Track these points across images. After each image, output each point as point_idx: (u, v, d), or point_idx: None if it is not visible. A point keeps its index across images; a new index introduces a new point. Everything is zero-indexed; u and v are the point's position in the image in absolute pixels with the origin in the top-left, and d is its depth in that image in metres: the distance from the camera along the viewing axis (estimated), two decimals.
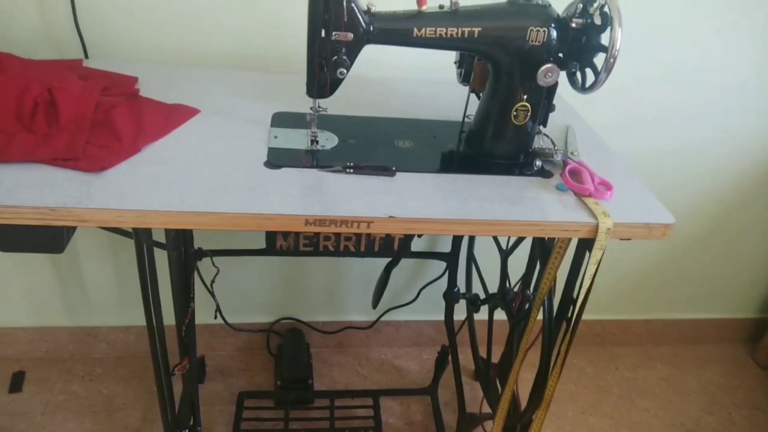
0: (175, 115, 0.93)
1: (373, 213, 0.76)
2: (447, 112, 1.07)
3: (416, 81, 1.18)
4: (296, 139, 0.91)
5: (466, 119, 0.99)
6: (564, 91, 0.92)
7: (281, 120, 0.96)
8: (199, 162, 0.81)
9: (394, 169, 0.85)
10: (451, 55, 0.97)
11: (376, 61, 1.19)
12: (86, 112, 0.85)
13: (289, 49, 1.13)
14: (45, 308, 1.48)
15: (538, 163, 0.90)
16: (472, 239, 1.42)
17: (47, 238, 0.73)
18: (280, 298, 1.55)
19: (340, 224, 0.75)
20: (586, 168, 0.89)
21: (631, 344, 1.80)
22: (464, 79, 0.95)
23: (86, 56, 1.11)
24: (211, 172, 0.79)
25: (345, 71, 0.80)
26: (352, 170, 0.84)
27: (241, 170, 0.81)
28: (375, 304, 1.22)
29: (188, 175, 0.78)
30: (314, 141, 0.90)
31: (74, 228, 0.78)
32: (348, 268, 1.53)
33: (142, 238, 0.86)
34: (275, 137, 0.91)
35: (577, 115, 1.12)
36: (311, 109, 0.88)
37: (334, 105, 1.03)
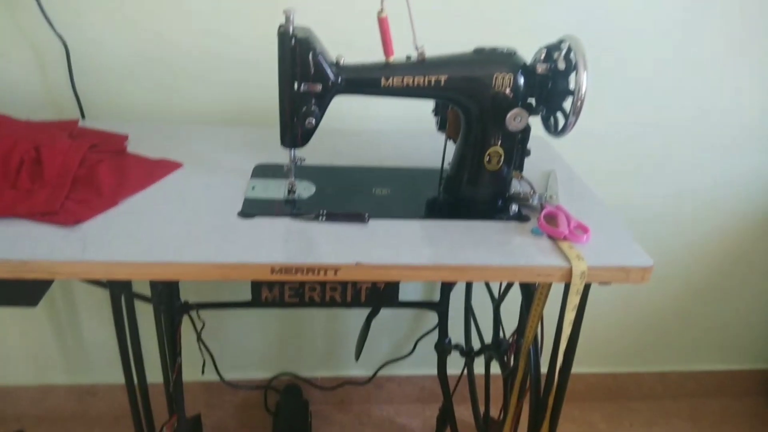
0: (158, 169, 0.95)
1: (341, 260, 0.75)
2: (427, 160, 1.07)
3: (399, 131, 1.21)
4: (274, 189, 0.92)
5: (446, 166, 0.99)
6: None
7: (262, 171, 0.98)
8: (173, 213, 0.83)
9: (367, 215, 0.85)
10: (430, 105, 0.99)
11: (359, 113, 1.22)
12: (70, 168, 0.88)
13: (272, 102, 1.17)
14: (45, 366, 1.49)
15: (514, 207, 0.89)
16: (469, 287, 1.40)
17: (20, 291, 0.75)
18: (277, 352, 1.53)
19: (306, 272, 0.75)
20: (563, 212, 0.88)
21: (646, 398, 1.72)
22: (441, 126, 0.96)
23: (83, 117, 1.16)
24: (183, 223, 0.81)
25: (314, 121, 0.82)
26: (324, 218, 0.84)
27: (214, 220, 0.82)
28: (357, 356, 1.20)
29: (160, 227, 0.79)
30: (291, 190, 0.91)
31: (50, 282, 0.79)
32: (345, 321, 1.51)
33: (117, 290, 0.87)
34: (253, 188, 0.92)
35: (561, 160, 1.12)
36: (289, 159, 0.90)
37: (314, 155, 1.05)
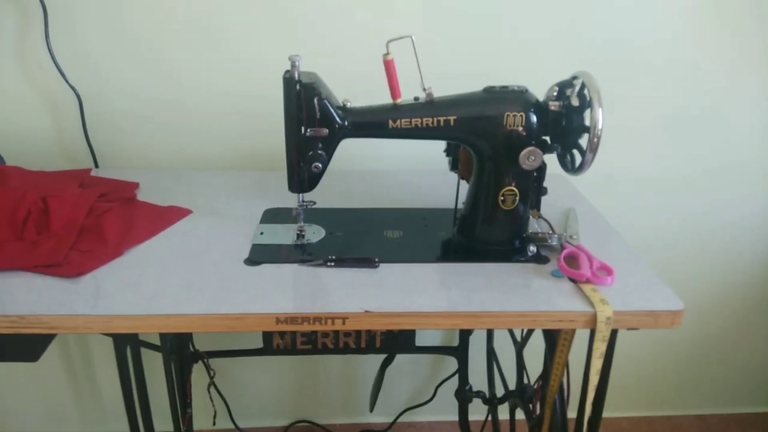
0: (166, 217, 0.94)
1: (349, 308, 0.72)
2: (440, 201, 1.05)
3: (411, 172, 1.18)
4: (282, 234, 0.90)
5: (461, 205, 0.96)
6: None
7: (271, 216, 0.96)
8: (179, 262, 0.81)
9: (377, 260, 0.82)
10: (442, 144, 0.96)
11: (369, 153, 1.20)
12: (77, 218, 0.87)
13: (283, 147, 1.17)
14: (59, 415, 1.46)
15: (533, 248, 0.85)
16: (490, 330, 1.34)
17: (20, 346, 0.73)
18: (293, 398, 1.49)
19: (312, 321, 0.71)
20: (584, 252, 0.84)
21: None
22: (453, 166, 0.93)
23: (96, 166, 1.17)
24: (188, 272, 0.78)
25: (320, 165, 0.80)
26: (333, 263, 0.81)
27: (219, 269, 0.80)
28: (372, 407, 1.15)
29: (164, 277, 0.77)
30: (300, 235, 0.89)
31: (51, 336, 0.77)
32: (362, 365, 1.46)
33: (121, 341, 0.84)
34: (261, 233, 0.90)
35: (581, 197, 1.08)
36: (298, 203, 0.88)
37: (325, 198, 1.03)
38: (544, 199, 0.89)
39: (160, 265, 0.80)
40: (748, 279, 1.44)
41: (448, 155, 0.94)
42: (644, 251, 1.31)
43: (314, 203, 0.99)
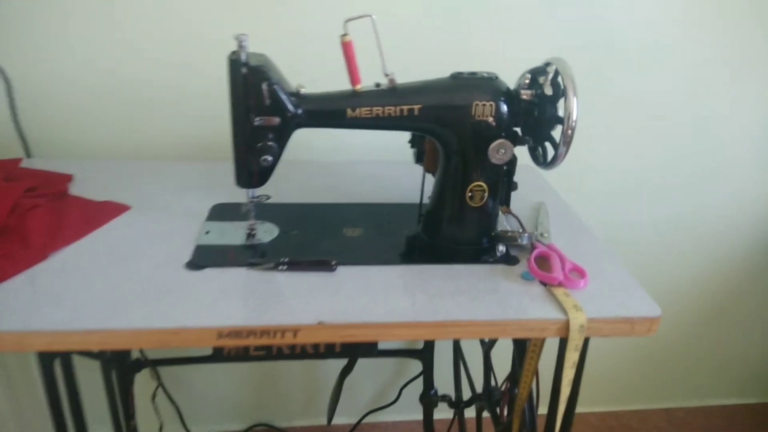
0: (101, 214, 0.85)
1: (301, 319, 0.65)
2: (405, 194, 0.98)
3: (373, 162, 1.11)
4: (231, 234, 0.82)
5: (426, 200, 0.90)
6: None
7: (220, 212, 0.88)
8: (110, 267, 0.72)
9: (334, 263, 0.75)
10: (407, 134, 0.89)
11: (328, 143, 1.12)
12: None
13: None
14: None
15: (501, 248, 0.79)
16: None
17: None
18: (251, 401, 1.41)
19: (260, 335, 0.64)
20: (556, 252, 0.78)
21: None
22: (418, 159, 0.87)
23: (28, 155, 1.06)
24: (119, 279, 0.70)
25: (270, 158, 0.72)
26: (285, 267, 0.74)
27: (156, 274, 0.71)
28: (329, 419, 1.08)
29: (90, 285, 0.68)
30: (251, 234, 0.81)
31: None
32: (323, 367, 1.39)
33: (47, 356, 0.75)
34: (207, 232, 0.82)
35: (552, 190, 1.03)
36: (248, 199, 0.80)
37: (279, 192, 0.95)
38: (513, 193, 0.83)
39: (88, 271, 0.71)
40: (722, 272, 1.42)
41: (412, 146, 0.87)
42: (617, 247, 1.28)
43: (268, 197, 0.91)
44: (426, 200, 0.88)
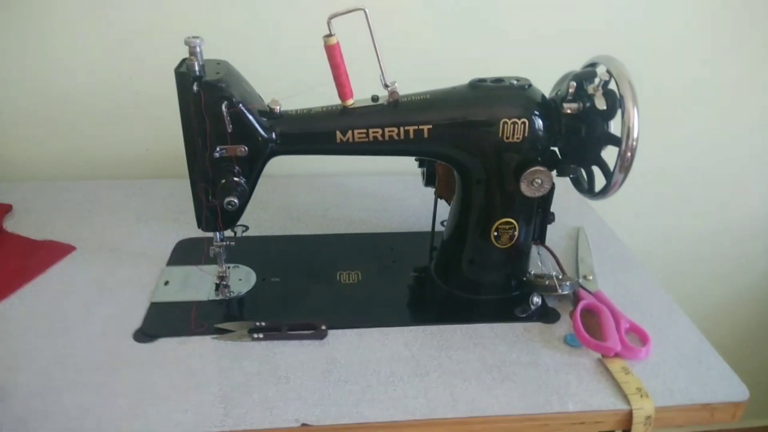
0: (40, 258, 0.69)
1: (278, 421, 0.49)
2: (413, 219, 0.82)
3: (376, 175, 0.94)
4: (196, 283, 0.66)
5: (440, 227, 0.73)
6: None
7: (184, 252, 0.72)
8: (36, 339, 0.56)
9: (324, 328, 0.59)
10: None
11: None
12: None
13: None
14: None
15: (537, 299, 0.63)
16: None
17: None
18: None
19: None
20: (606, 305, 0.62)
21: None
22: (428, 181, 0.70)
23: None
24: (43, 359, 0.54)
25: (235, 201, 0.55)
26: (261, 335, 0.58)
27: (94, 350, 0.55)
28: None
29: (15, 363, 0.53)
30: (221, 285, 0.65)
31: None
32: None
33: None
34: (166, 283, 0.65)
35: (589, 207, 0.86)
36: (215, 242, 0.63)
37: (258, 219, 0.79)
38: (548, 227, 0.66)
39: (13, 341, 0.56)
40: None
41: (420, 166, 0.70)
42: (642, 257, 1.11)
43: (245, 229, 0.75)
44: (439, 227, 0.71)
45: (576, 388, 0.53)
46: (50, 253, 0.70)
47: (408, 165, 0.73)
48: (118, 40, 0.84)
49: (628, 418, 0.51)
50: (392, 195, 0.89)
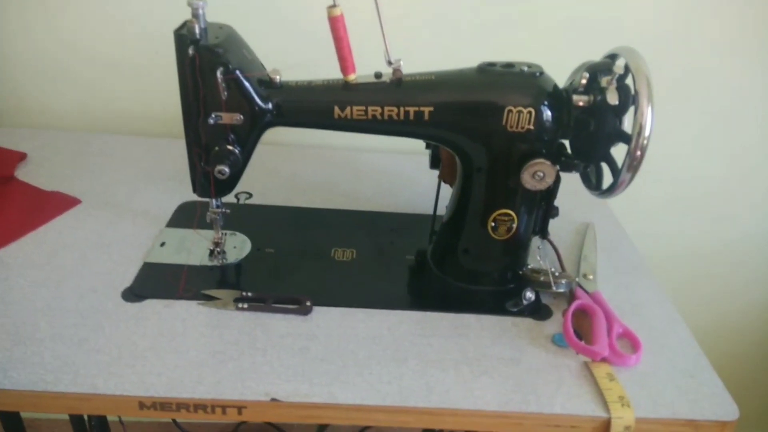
0: (46, 209, 0.70)
1: (248, 391, 0.49)
2: (418, 200, 0.80)
3: (386, 152, 0.92)
4: (191, 248, 0.66)
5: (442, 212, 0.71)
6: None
7: (185, 214, 0.72)
8: (27, 291, 0.58)
9: (309, 303, 0.58)
10: None
11: None
12: None
13: None
14: None
15: (530, 294, 0.61)
16: None
17: None
18: None
19: (194, 409, 0.49)
20: (602, 307, 0.60)
21: None
22: (433, 164, 0.68)
23: None
24: (31, 311, 0.55)
25: (226, 170, 0.54)
26: (246, 306, 0.58)
27: (82, 305, 0.56)
28: None
29: (5, 308, 0.54)
30: (215, 251, 0.65)
31: None
32: None
33: None
34: (162, 244, 0.66)
35: (602, 203, 0.82)
36: (211, 208, 0.63)
37: (264, 189, 0.79)
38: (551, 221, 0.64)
39: (8, 284, 0.58)
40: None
41: (427, 147, 0.68)
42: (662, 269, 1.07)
43: (249, 196, 0.76)
44: (442, 212, 0.69)
45: (556, 390, 0.52)
46: (56, 204, 0.72)
47: (422, 145, 0.72)
48: None
49: (606, 426, 0.50)
50: (402, 174, 0.87)
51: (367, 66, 0.56)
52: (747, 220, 1.06)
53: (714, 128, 0.97)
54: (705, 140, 0.98)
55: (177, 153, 0.86)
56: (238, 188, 0.74)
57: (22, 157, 0.80)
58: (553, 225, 0.64)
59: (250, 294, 0.59)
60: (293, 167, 0.86)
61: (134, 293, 0.58)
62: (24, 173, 0.78)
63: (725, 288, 1.14)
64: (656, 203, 1.03)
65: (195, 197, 0.74)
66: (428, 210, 0.76)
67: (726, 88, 0.93)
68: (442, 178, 0.67)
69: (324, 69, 0.57)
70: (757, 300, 1.17)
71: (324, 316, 0.58)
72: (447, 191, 0.67)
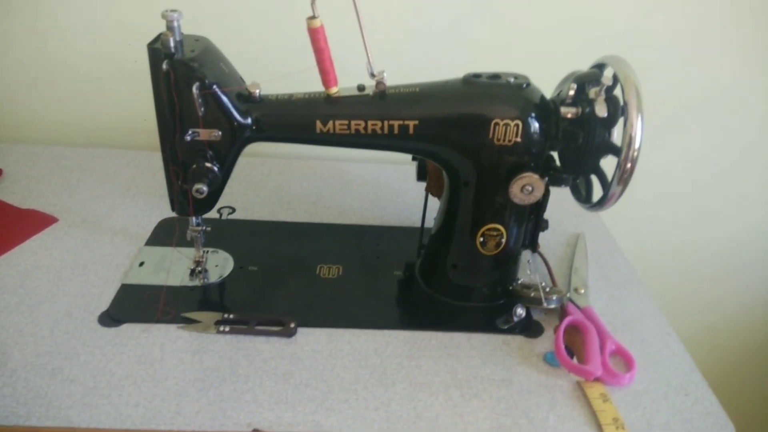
0: (21, 228, 0.68)
1: (229, 422, 0.47)
2: (406, 212, 0.79)
3: (371, 161, 0.90)
4: (171, 267, 0.64)
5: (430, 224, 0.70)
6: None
7: (165, 231, 0.70)
8: (9, 311, 0.56)
9: (293, 325, 0.56)
10: None
11: None
12: None
13: None
14: None
15: (521, 311, 0.59)
16: None
17: None
18: None
19: None
20: (594, 323, 0.58)
21: None
22: (420, 176, 0.66)
23: None
24: (13, 330, 0.53)
25: (204, 189, 0.52)
26: (227, 329, 0.56)
27: (59, 328, 0.54)
28: None
29: None
30: (196, 270, 0.63)
31: None
32: None
33: None
34: (140, 264, 0.64)
35: (595, 216, 0.81)
36: (190, 226, 0.61)
37: (247, 202, 0.78)
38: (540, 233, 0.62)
39: None
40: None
41: (414, 159, 0.66)
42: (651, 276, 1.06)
43: (232, 211, 0.74)
44: (429, 224, 0.68)
45: (548, 413, 0.50)
46: (32, 223, 0.69)
47: (408, 155, 0.70)
48: (120, 6, 0.81)
49: None
50: (389, 185, 0.85)
51: (349, 75, 0.55)
52: (738, 229, 1.06)
53: (704, 138, 0.96)
54: (695, 150, 0.97)
55: (157, 166, 0.82)
56: (221, 202, 0.72)
57: None
58: (543, 236, 0.63)
59: (232, 316, 0.57)
60: (277, 180, 0.84)
61: (111, 317, 0.56)
62: (2, 187, 0.76)
63: (715, 296, 1.14)
64: (646, 211, 1.02)
65: (174, 213, 0.73)
66: (416, 222, 0.75)
67: (718, 99, 0.92)
68: (430, 190, 0.66)
69: (305, 81, 0.55)
70: (747, 308, 1.16)
71: (309, 338, 0.56)
72: (434, 203, 0.65)
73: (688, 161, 0.98)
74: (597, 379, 0.53)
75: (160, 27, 0.50)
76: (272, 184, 0.83)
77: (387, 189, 0.84)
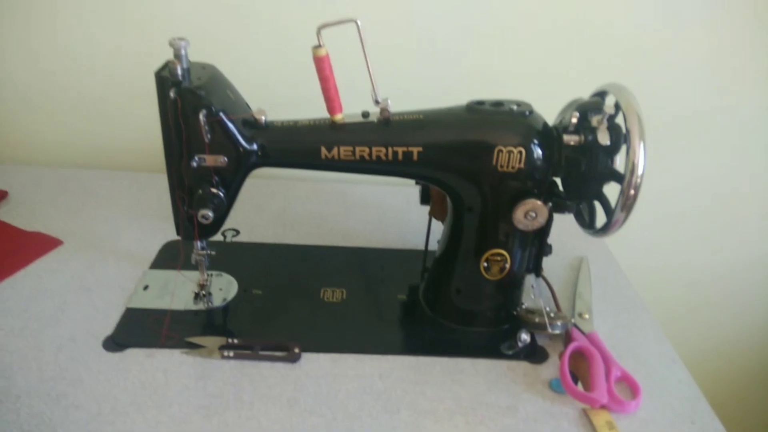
0: (26, 250, 0.68)
1: None
2: (410, 234, 0.79)
3: (375, 183, 0.91)
4: (175, 290, 0.64)
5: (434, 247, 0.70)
6: None
7: (170, 254, 0.70)
8: (14, 335, 0.56)
9: (297, 350, 0.56)
10: None
11: None
12: None
13: None
14: None
15: (525, 336, 0.59)
16: None
17: None
18: None
19: None
20: (599, 349, 0.58)
21: None
22: (423, 200, 0.66)
23: None
24: (18, 356, 0.53)
25: (210, 214, 0.53)
26: (231, 354, 0.56)
27: (61, 357, 0.54)
28: None
29: None
30: (200, 294, 0.63)
31: None
32: None
33: None
34: (145, 288, 0.64)
35: (599, 239, 0.81)
36: (195, 251, 0.61)
37: (251, 225, 0.78)
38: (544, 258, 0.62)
39: None
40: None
41: (417, 182, 0.67)
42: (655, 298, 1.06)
43: (236, 233, 0.74)
44: (433, 247, 0.68)
45: None
46: (36, 246, 0.69)
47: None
48: (126, 28, 0.82)
49: None
50: (393, 207, 0.86)
51: (354, 101, 0.55)
52: (740, 252, 1.06)
53: (705, 161, 0.96)
54: (696, 172, 0.97)
55: (161, 187, 0.83)
56: (226, 225, 0.73)
57: (2, 195, 0.79)
58: (546, 260, 0.63)
59: (236, 341, 0.57)
60: (281, 202, 0.85)
61: (116, 342, 0.56)
62: (4, 212, 0.76)
63: (717, 320, 1.13)
64: (644, 233, 1.02)
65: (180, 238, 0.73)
66: (419, 244, 0.75)
67: (718, 122, 0.93)
68: (433, 214, 0.66)
69: (310, 108, 0.56)
70: (749, 332, 1.15)
71: (313, 364, 0.56)
72: (438, 225, 0.66)
73: (689, 183, 0.99)
74: (603, 407, 0.52)
75: (165, 49, 0.50)
76: (276, 205, 0.84)
77: (390, 211, 0.85)
